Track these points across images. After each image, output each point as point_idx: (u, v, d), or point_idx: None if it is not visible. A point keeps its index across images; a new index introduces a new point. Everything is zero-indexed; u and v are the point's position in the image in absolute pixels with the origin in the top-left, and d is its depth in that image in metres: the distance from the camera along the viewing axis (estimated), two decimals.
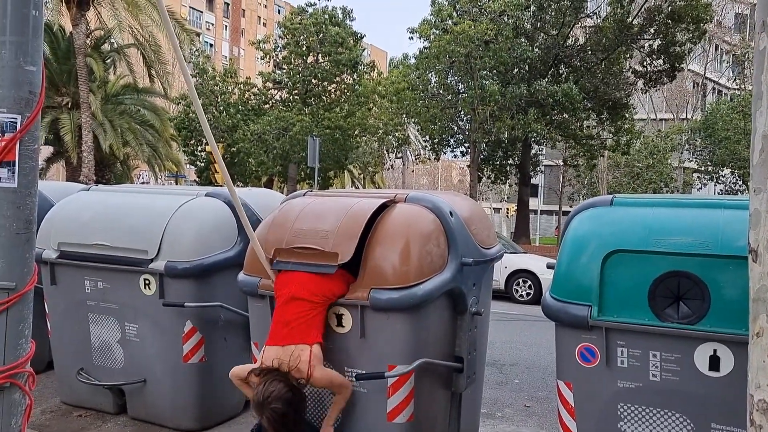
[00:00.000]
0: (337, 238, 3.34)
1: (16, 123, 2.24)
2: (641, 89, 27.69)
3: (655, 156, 34.83)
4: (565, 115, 24.68)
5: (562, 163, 37.06)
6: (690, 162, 38.43)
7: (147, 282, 4.36)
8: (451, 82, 25.64)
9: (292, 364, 3.18)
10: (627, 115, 26.39)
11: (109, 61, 24.33)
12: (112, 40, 25.33)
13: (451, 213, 3.59)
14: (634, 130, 27.24)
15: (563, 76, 25.23)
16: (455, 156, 33.54)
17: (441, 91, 25.45)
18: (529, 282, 12.86)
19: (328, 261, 3.31)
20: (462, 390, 3.79)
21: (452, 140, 28.26)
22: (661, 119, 44.62)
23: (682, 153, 38.09)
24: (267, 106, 27.80)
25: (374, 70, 28.40)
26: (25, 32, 2.25)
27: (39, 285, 4.56)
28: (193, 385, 4.43)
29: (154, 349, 4.46)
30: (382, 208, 3.52)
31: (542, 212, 44.64)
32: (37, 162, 2.39)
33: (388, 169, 41.46)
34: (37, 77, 2.29)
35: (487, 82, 23.54)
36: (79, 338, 4.74)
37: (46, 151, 25.25)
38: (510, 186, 43.63)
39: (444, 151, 29.08)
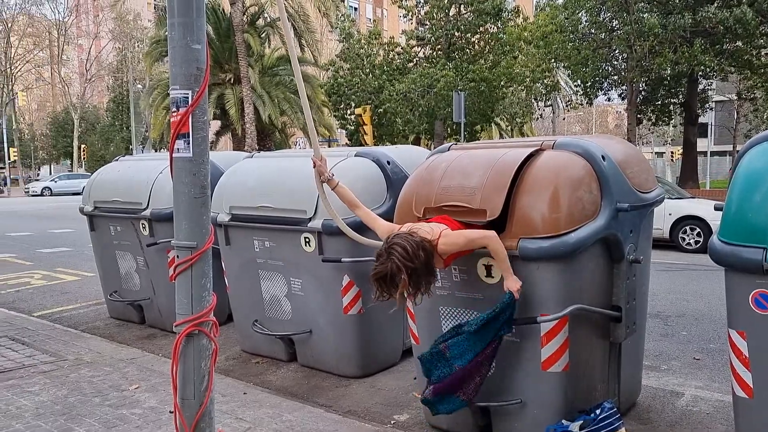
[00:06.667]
0: (485, 194, 3.33)
1: (188, 98, 2.50)
2: None
3: None
4: (739, 43, 21.95)
5: (735, 98, 33.26)
6: None
7: (307, 240, 4.68)
8: (603, 19, 23.83)
9: (423, 227, 3.17)
10: None
11: (264, 35, 25.75)
12: (266, 15, 26.70)
13: (603, 157, 3.43)
14: None
15: None
16: (609, 99, 31.48)
17: (593, 30, 23.78)
18: (698, 229, 11.88)
19: (476, 217, 3.33)
20: (621, 340, 3.67)
21: (606, 82, 26.42)
22: None
23: None
24: (411, 64, 27.81)
25: (519, 15, 27.21)
26: (189, 13, 2.48)
27: (215, 246, 5.07)
28: (354, 335, 4.73)
29: (316, 302, 4.81)
30: (529, 158, 3.45)
31: (713, 153, 40.48)
32: (207, 133, 2.64)
33: (537, 118, 39.82)
34: (202, 54, 2.52)
35: (645, 15, 21.54)
36: (252, 293, 5.23)
37: (215, 125, 27.52)
38: (674, 127, 40.12)
39: (597, 94, 27.34)
